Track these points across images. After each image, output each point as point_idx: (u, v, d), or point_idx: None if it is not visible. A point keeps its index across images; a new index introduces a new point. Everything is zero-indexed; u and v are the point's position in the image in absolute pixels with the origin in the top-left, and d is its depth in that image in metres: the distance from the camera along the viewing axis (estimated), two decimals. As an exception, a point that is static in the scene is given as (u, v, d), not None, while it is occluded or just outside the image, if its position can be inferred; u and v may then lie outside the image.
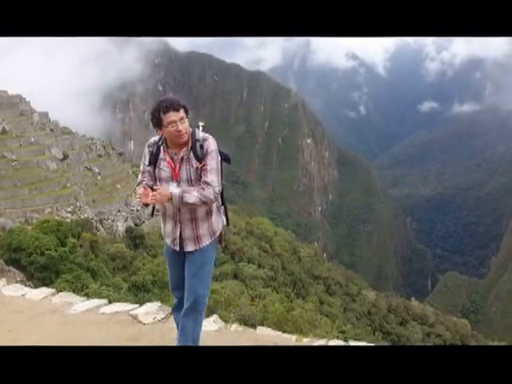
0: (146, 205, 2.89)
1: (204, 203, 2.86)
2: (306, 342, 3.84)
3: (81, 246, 15.93)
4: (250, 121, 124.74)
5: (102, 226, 20.67)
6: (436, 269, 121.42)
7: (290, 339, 3.87)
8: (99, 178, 27.29)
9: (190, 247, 3.02)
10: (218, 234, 3.08)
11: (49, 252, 14.27)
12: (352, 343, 3.88)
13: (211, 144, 2.94)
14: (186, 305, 3.10)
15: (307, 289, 27.94)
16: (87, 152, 28.67)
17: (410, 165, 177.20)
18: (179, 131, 2.85)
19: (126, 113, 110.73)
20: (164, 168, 2.95)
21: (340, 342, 3.96)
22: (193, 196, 2.82)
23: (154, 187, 2.85)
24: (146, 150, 3.06)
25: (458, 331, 34.66)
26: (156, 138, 3.06)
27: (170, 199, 2.81)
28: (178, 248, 3.04)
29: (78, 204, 22.43)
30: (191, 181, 2.90)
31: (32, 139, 24.60)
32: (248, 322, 10.43)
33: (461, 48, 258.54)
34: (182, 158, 2.92)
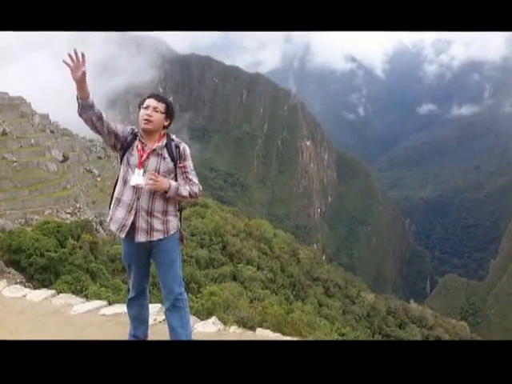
0: (80, 91, 2.99)
1: (191, 197, 3.14)
2: (304, 343, 3.84)
3: (80, 247, 15.94)
4: (249, 123, 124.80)
5: (102, 228, 20.65)
6: (435, 271, 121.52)
7: (289, 341, 3.86)
8: (99, 179, 27.35)
9: (142, 238, 3.10)
10: (172, 232, 3.18)
11: (48, 253, 14.29)
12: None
13: (187, 148, 3.20)
14: (166, 304, 3.23)
15: (306, 291, 27.92)
16: (87, 154, 28.74)
17: (409, 167, 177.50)
18: (147, 115, 3.06)
19: (125, 115, 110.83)
20: (134, 154, 3.11)
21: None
22: (186, 189, 3.10)
23: (152, 176, 2.98)
24: (129, 129, 3.20)
25: (457, 334, 34.68)
26: (135, 127, 3.28)
27: (167, 189, 3.02)
28: (123, 235, 3.12)
29: (78, 205, 22.45)
30: (158, 173, 3.06)
31: (32, 141, 24.60)
32: (247, 324, 10.46)
33: (459, 51, 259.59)
34: (154, 150, 3.10)
